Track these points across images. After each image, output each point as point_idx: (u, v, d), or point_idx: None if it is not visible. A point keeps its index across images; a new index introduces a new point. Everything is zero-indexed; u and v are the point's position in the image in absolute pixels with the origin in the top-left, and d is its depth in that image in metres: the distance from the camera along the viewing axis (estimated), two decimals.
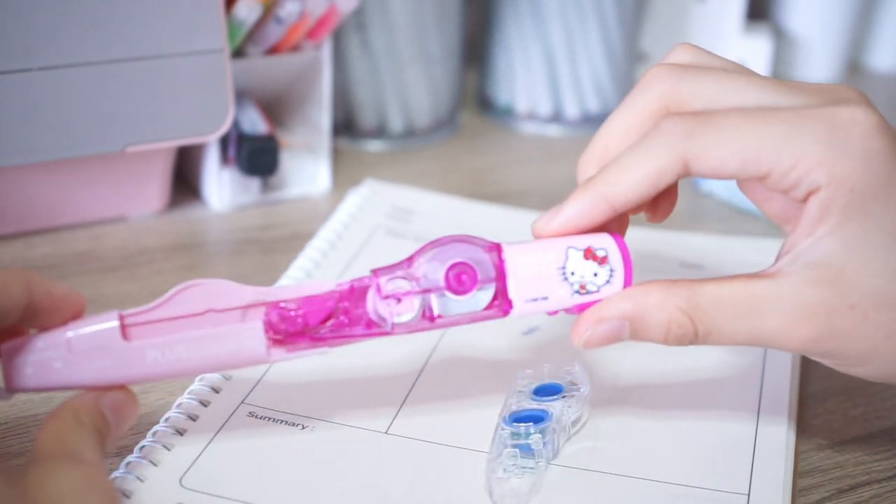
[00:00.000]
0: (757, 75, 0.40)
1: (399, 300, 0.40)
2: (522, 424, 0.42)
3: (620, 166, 0.39)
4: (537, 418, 0.43)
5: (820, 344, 0.38)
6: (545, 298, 0.40)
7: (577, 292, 0.39)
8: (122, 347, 0.38)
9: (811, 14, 0.87)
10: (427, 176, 0.70)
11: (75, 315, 0.39)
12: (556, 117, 0.79)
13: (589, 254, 0.39)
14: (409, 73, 0.73)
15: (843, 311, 0.38)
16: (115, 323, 0.39)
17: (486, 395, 0.46)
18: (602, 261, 0.39)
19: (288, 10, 0.60)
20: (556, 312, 0.40)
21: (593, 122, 0.78)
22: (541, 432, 0.42)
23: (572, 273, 0.39)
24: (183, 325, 0.39)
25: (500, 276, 0.40)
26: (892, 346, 0.38)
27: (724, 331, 0.39)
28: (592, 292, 0.39)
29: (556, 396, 0.44)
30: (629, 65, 0.80)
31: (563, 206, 0.40)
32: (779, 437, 0.45)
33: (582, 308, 0.40)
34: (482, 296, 0.40)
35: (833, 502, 0.43)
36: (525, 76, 0.78)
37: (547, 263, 0.39)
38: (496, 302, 0.40)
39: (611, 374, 0.48)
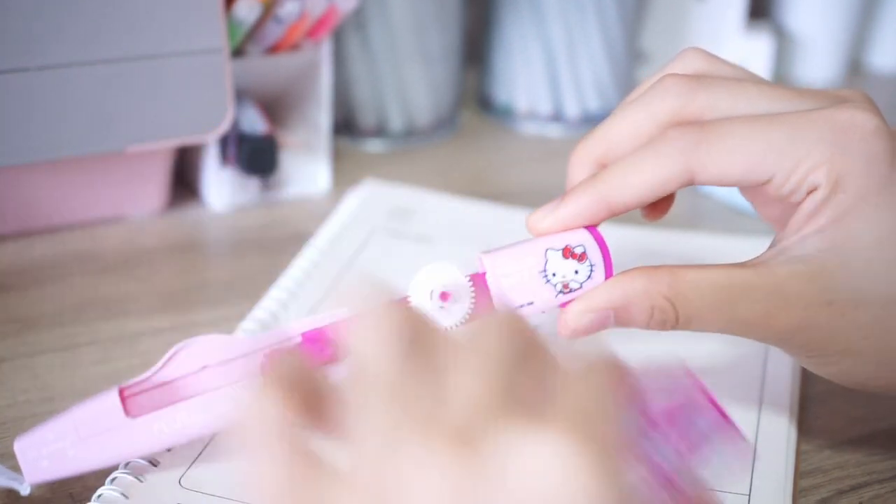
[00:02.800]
0: (767, 83, 0.40)
1: None
2: None
3: (624, 170, 0.39)
4: None
5: (796, 337, 0.39)
6: (530, 304, 0.40)
7: (561, 292, 0.40)
8: (127, 425, 0.39)
9: (812, 13, 0.87)
10: (427, 176, 0.70)
11: None
12: (557, 117, 0.79)
13: (567, 252, 0.40)
14: (409, 73, 0.73)
15: (820, 307, 0.38)
16: (116, 401, 0.39)
17: None
18: (581, 257, 0.40)
19: (287, 9, 0.60)
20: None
21: (593, 121, 0.78)
22: None
23: (553, 274, 0.40)
24: (181, 387, 0.40)
25: (482, 289, 0.40)
26: (868, 346, 0.38)
27: (704, 317, 0.39)
28: (575, 290, 0.40)
29: None
30: (629, 64, 0.80)
31: (561, 203, 0.40)
32: (780, 438, 0.45)
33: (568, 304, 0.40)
34: (461, 307, 0.40)
35: (834, 503, 0.43)
36: (525, 76, 0.78)
37: (528, 269, 0.40)
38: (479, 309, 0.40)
39: None
